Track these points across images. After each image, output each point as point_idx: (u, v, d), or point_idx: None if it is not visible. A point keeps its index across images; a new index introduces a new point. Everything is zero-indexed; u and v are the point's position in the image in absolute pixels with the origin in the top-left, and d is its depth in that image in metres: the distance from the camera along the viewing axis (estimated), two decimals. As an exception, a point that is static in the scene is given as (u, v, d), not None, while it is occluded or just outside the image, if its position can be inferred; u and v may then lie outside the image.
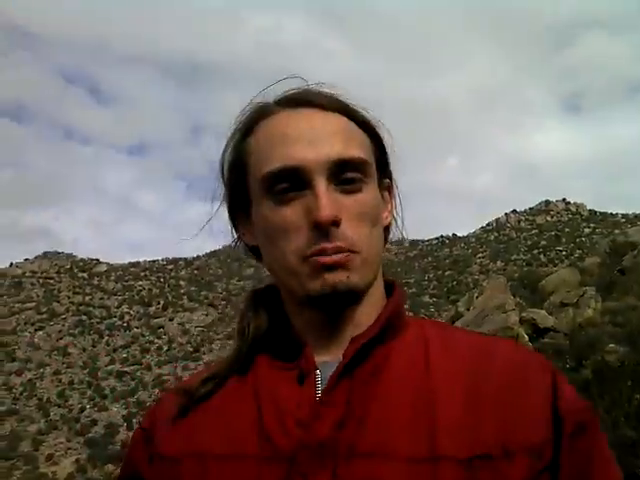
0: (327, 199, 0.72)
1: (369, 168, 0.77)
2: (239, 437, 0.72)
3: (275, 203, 0.75)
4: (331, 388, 0.72)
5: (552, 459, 0.69)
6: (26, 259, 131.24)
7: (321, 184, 0.73)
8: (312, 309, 0.76)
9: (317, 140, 0.74)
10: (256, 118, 0.80)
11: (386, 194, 0.84)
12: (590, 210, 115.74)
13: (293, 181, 0.74)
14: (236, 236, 0.86)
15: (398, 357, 0.75)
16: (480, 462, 0.67)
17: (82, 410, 77.17)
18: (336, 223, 0.72)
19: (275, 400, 0.73)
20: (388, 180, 0.84)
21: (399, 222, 0.87)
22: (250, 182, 0.79)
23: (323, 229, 0.72)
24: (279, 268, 0.77)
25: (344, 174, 0.74)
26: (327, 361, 0.75)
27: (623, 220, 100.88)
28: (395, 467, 0.66)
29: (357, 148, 0.76)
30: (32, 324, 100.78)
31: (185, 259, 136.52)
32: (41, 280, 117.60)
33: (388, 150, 0.83)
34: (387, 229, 0.85)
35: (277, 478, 0.68)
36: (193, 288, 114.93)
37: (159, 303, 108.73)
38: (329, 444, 0.69)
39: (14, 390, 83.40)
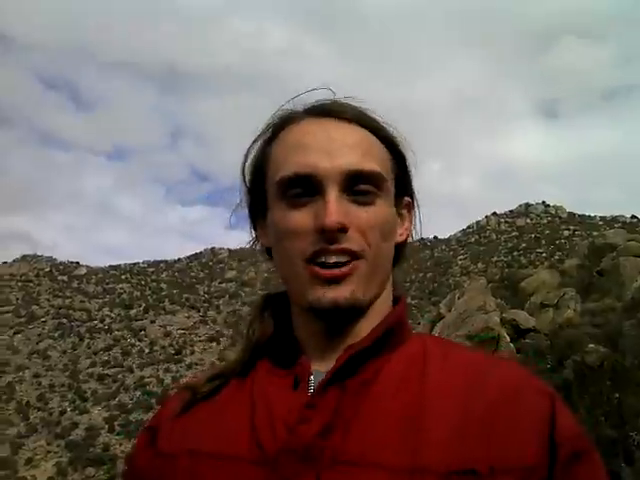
0: (336, 207, 0.73)
1: (384, 183, 0.78)
2: (231, 438, 0.74)
3: (288, 207, 0.77)
4: (317, 394, 0.73)
5: None
6: (4, 262, 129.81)
7: (332, 192, 0.74)
8: (314, 318, 0.78)
9: (334, 151, 0.76)
10: (281, 125, 0.82)
11: (405, 212, 0.86)
12: (569, 212, 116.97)
13: (306, 187, 0.75)
14: (254, 236, 0.88)
15: (392, 370, 0.76)
16: (463, 477, 0.67)
17: (63, 413, 76.46)
18: (343, 230, 0.73)
19: (268, 404, 0.75)
20: (409, 198, 0.86)
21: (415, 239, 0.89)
22: (268, 186, 0.81)
23: (328, 234, 0.73)
24: (284, 270, 0.79)
25: (358, 186, 0.75)
26: (322, 369, 0.76)
27: (601, 222, 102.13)
28: (377, 476, 0.67)
29: (374, 162, 0.77)
30: (11, 327, 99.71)
31: (166, 261, 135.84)
32: (20, 283, 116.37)
33: (410, 169, 0.85)
34: (403, 246, 0.86)
35: None
36: (174, 291, 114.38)
37: (140, 306, 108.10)
38: (313, 449, 0.70)
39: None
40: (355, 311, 0.76)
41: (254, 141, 0.84)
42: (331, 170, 0.74)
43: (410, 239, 0.87)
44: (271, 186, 0.80)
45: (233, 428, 0.75)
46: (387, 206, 0.79)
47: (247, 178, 0.85)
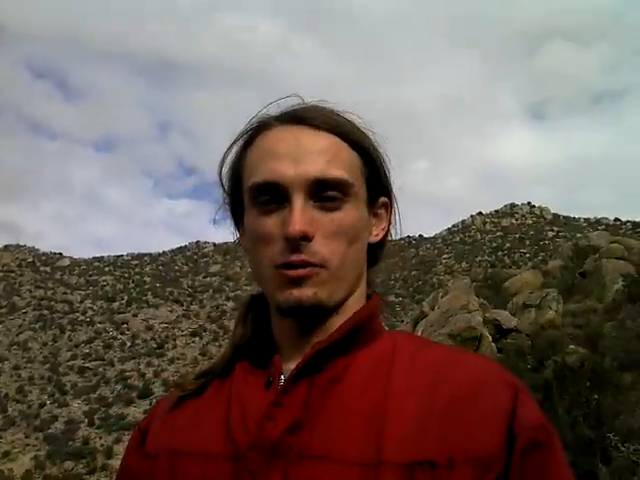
0: (301, 215, 0.76)
1: (351, 189, 0.79)
2: (208, 436, 0.77)
3: (258, 213, 0.80)
4: (283, 391, 0.76)
5: (503, 474, 0.70)
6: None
7: (298, 200, 0.77)
8: (285, 318, 0.81)
9: (301, 158, 0.78)
10: (255, 132, 0.84)
11: (382, 211, 0.88)
12: (554, 214, 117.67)
13: (274, 194, 0.78)
14: (237, 237, 0.90)
15: (360, 367, 0.78)
16: (421, 468, 0.68)
17: (42, 406, 75.78)
18: (306, 238, 0.76)
19: (242, 404, 0.78)
20: (385, 198, 0.87)
21: (394, 237, 0.91)
22: (243, 191, 0.84)
23: (293, 243, 0.76)
24: (256, 274, 0.83)
25: (324, 192, 0.78)
26: (293, 368, 0.78)
27: (585, 224, 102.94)
28: (342, 470, 0.69)
29: (340, 169, 0.79)
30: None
31: (150, 254, 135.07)
32: (1, 273, 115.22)
33: (385, 169, 0.86)
34: (380, 246, 0.89)
35: (233, 477, 0.72)
36: (158, 284, 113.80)
37: (123, 299, 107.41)
38: (281, 445, 0.72)
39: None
40: (321, 311, 0.78)
41: (230, 146, 0.87)
42: (297, 178, 0.77)
43: (389, 237, 0.90)
44: (245, 192, 0.83)
45: (210, 427, 0.78)
46: (354, 210, 0.80)
47: (225, 182, 0.88)
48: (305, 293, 0.76)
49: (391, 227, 0.90)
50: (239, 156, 0.85)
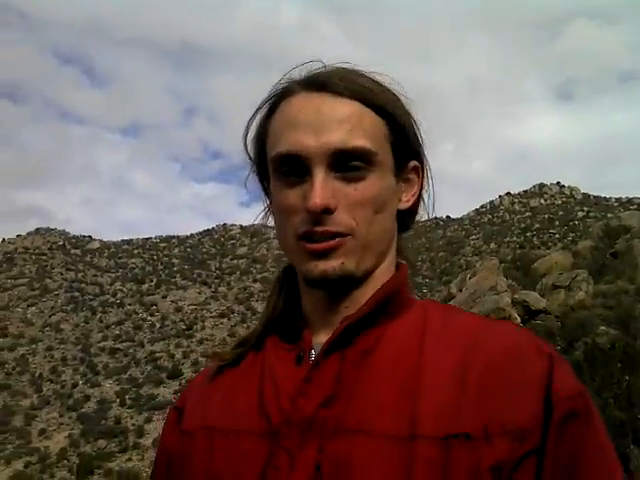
0: (322, 188, 0.74)
1: (374, 157, 0.77)
2: (242, 413, 0.77)
3: (281, 185, 0.79)
4: (314, 366, 0.76)
5: (540, 445, 0.69)
6: (18, 235, 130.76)
7: (319, 173, 0.75)
8: (314, 289, 0.80)
9: (322, 128, 0.75)
10: (278, 99, 0.82)
11: (412, 176, 0.84)
12: (584, 193, 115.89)
13: (296, 166, 0.77)
14: (267, 204, 0.89)
15: (391, 339, 0.77)
16: (456, 441, 0.67)
17: (75, 386, 77.37)
18: (328, 211, 0.74)
19: (274, 380, 0.77)
20: (415, 162, 0.84)
21: (429, 203, 0.88)
22: (268, 160, 0.83)
23: (314, 216, 0.74)
24: (282, 243, 0.82)
25: (347, 162, 0.75)
26: (324, 342, 0.78)
27: (616, 204, 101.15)
28: (376, 444, 0.68)
29: (363, 137, 0.76)
30: (25, 300, 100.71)
31: (178, 237, 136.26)
32: (34, 256, 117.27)
33: (415, 132, 0.83)
34: (411, 211, 0.86)
35: (268, 453, 0.71)
36: (186, 266, 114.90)
37: (152, 281, 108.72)
38: (316, 420, 0.71)
39: (6, 365, 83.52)
40: (349, 281, 0.77)
41: (254, 113, 0.84)
42: (318, 149, 0.75)
43: (422, 202, 0.87)
44: (269, 161, 0.82)
45: (244, 403, 0.78)
46: (379, 179, 0.78)
47: (251, 150, 0.86)
48: (331, 264, 0.75)
49: (424, 191, 0.87)
50: (263, 123, 0.83)
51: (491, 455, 0.67)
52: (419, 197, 0.86)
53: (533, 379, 0.71)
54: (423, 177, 0.86)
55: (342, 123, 0.76)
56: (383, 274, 0.81)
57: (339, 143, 0.75)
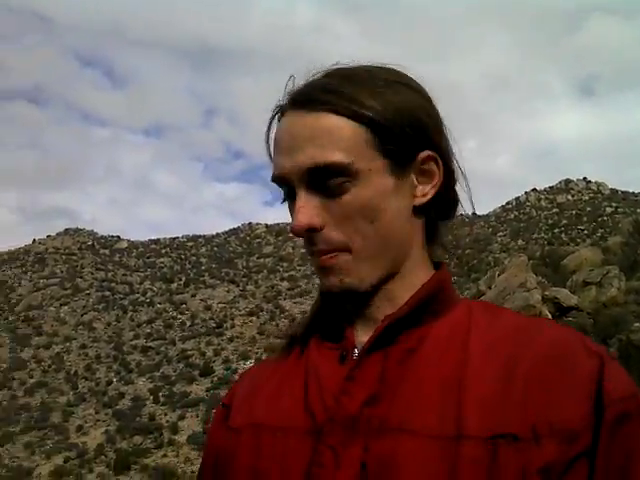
0: (303, 208, 0.74)
1: (351, 167, 0.74)
2: (288, 411, 0.77)
3: (288, 205, 0.81)
4: (356, 365, 0.75)
5: (591, 447, 0.66)
6: (48, 236, 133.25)
7: (300, 193, 0.75)
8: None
9: (294, 148, 0.75)
10: (273, 119, 0.83)
11: (429, 166, 0.79)
12: (611, 189, 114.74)
13: (287, 188, 0.78)
14: None
15: (436, 338, 0.76)
16: (503, 441, 0.66)
17: (109, 383, 78.96)
18: (314, 230, 0.75)
19: (318, 378, 0.77)
20: (427, 152, 0.79)
21: (461, 192, 0.84)
22: None
23: (302, 236, 0.76)
24: None
25: (325, 179, 0.74)
26: (365, 341, 0.78)
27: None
28: (420, 443, 0.68)
29: (334, 150, 0.74)
30: (57, 299, 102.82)
31: (204, 236, 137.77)
32: (64, 256, 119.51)
33: (423, 122, 0.78)
34: (448, 202, 0.83)
35: (313, 451, 0.71)
36: (214, 265, 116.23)
37: (181, 279, 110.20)
38: (360, 419, 0.71)
39: (43, 363, 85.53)
40: (355, 295, 0.77)
41: (267, 130, 0.84)
42: (292, 170, 0.75)
43: (455, 183, 0.83)
44: None
45: (290, 401, 0.78)
46: (364, 187, 0.75)
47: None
48: (331, 282, 0.76)
49: (456, 175, 0.83)
50: (267, 145, 0.84)
51: (540, 457, 0.65)
52: (448, 185, 0.82)
53: (583, 379, 0.69)
54: (447, 164, 0.81)
55: (312, 140, 0.74)
56: (411, 273, 0.80)
57: (310, 161, 0.74)
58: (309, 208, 0.75)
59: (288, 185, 0.77)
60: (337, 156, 0.74)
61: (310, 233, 0.75)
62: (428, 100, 0.81)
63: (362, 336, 0.78)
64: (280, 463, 0.73)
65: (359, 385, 0.73)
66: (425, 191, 0.80)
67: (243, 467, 0.76)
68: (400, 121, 0.76)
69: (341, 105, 0.75)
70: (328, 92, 0.76)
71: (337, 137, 0.74)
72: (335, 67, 0.80)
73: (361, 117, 0.75)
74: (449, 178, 0.82)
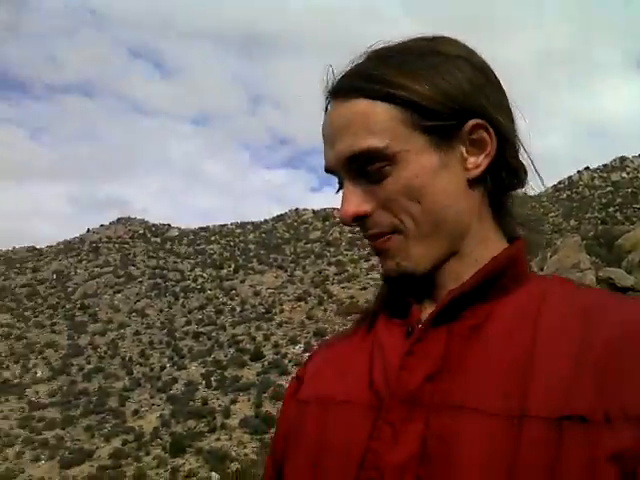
0: (348, 198, 0.75)
1: (386, 151, 0.73)
2: (353, 385, 0.77)
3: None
4: (417, 340, 0.74)
5: None
6: (101, 225, 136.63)
7: (346, 183, 0.76)
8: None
9: (334, 139, 0.76)
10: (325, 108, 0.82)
11: (479, 135, 0.75)
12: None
13: (338, 178, 0.79)
14: None
15: (503, 314, 0.73)
16: (570, 423, 0.63)
17: (163, 368, 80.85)
18: (359, 218, 0.75)
19: (383, 354, 0.77)
20: (475, 120, 0.75)
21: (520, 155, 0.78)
22: None
23: (352, 225, 0.76)
24: None
25: (366, 164, 0.74)
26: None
27: None
28: (483, 421, 0.66)
29: (368, 136, 0.73)
30: (111, 287, 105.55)
31: (252, 223, 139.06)
32: (117, 245, 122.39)
33: (470, 90, 0.74)
34: (511, 170, 0.78)
35: (373, 426, 0.71)
36: (262, 251, 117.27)
37: (230, 266, 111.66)
38: (420, 394, 0.70)
39: (99, 349, 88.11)
40: (412, 279, 0.77)
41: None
42: (335, 161, 0.76)
43: (517, 147, 0.78)
44: None
45: (355, 375, 0.78)
46: (404, 168, 0.74)
47: None
48: (389, 266, 0.76)
49: (517, 141, 0.78)
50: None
51: (612, 443, 0.61)
52: (504, 153, 0.76)
53: None
54: (501, 132, 0.76)
55: (347, 128, 0.75)
56: (476, 249, 0.77)
57: (348, 150, 0.74)
58: (354, 196, 0.75)
59: (338, 175, 0.78)
60: (371, 141, 0.73)
61: (359, 220, 0.75)
62: (473, 65, 0.76)
63: (428, 313, 0.77)
64: (343, 436, 0.74)
65: (420, 360, 0.72)
66: (478, 162, 0.76)
67: (309, 438, 0.77)
68: (438, 94, 0.74)
69: (372, 88, 0.74)
70: (360, 77, 0.76)
71: (370, 122, 0.74)
72: (374, 48, 0.79)
73: (394, 97, 0.74)
74: (505, 146, 0.77)
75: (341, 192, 0.78)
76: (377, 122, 0.74)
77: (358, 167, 0.75)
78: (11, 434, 67.01)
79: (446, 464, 0.65)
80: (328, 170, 0.78)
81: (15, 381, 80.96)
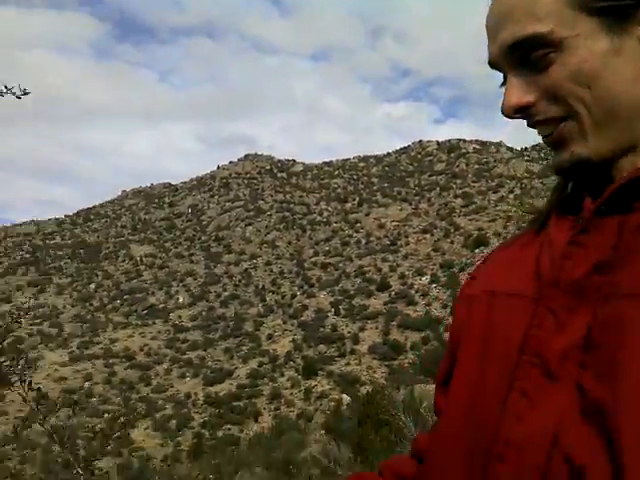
0: (510, 90, 0.71)
1: (553, 35, 0.67)
2: (520, 279, 0.76)
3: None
4: (582, 231, 0.71)
5: None
6: (230, 162, 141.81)
7: (508, 75, 0.72)
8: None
9: (497, 29, 0.72)
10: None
11: None
12: None
13: (502, 73, 0.75)
14: None
15: None
16: None
17: (293, 297, 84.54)
18: (522, 110, 0.71)
19: (551, 248, 0.75)
20: None
21: None
22: None
23: (515, 117, 0.72)
24: None
25: (531, 51, 0.69)
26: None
27: None
28: None
29: (531, 21, 0.68)
30: (242, 220, 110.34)
31: (375, 156, 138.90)
32: (246, 181, 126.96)
33: None
34: None
35: (535, 313, 0.71)
36: (385, 184, 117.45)
37: (354, 199, 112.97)
38: (587, 285, 0.66)
39: (234, 278, 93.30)
40: (588, 167, 0.70)
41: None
42: (498, 52, 0.72)
43: None
44: None
45: (522, 270, 0.77)
46: (571, 55, 0.68)
47: None
48: (562, 157, 0.71)
49: None
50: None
51: None
52: None
53: None
54: None
55: (512, 14, 0.70)
56: None
57: (510, 38, 0.70)
58: (517, 87, 0.71)
59: (502, 70, 0.74)
60: (534, 27, 0.68)
61: (522, 112, 0.72)
62: None
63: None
64: (506, 325, 0.74)
65: (587, 250, 0.69)
66: None
67: (477, 327, 0.78)
68: None
69: None
70: None
71: (534, 6, 0.69)
72: None
73: None
74: None
75: (503, 88, 0.74)
76: (541, 5, 0.69)
77: (521, 55, 0.70)
78: (159, 353, 73.52)
79: (612, 352, 0.62)
80: (492, 64, 0.75)
81: (160, 306, 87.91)
